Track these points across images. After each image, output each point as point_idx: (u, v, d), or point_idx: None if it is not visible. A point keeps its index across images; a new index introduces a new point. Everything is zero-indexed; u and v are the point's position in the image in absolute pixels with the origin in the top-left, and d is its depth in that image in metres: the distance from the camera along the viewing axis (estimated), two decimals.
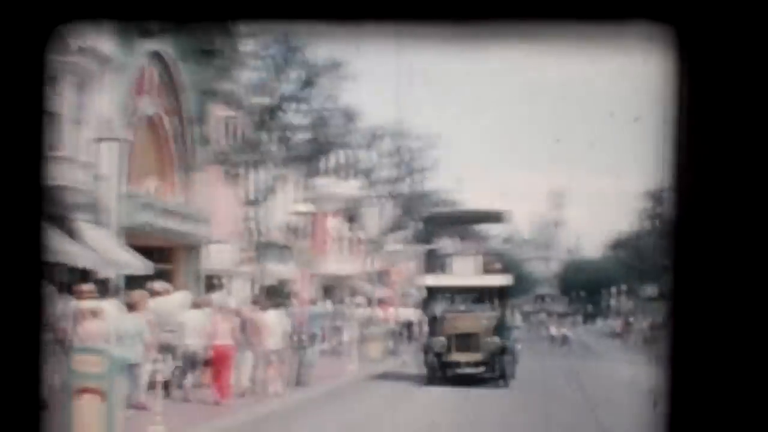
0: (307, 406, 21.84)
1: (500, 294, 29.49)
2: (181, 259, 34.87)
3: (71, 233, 25.20)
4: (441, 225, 35.98)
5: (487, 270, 29.59)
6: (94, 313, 17.58)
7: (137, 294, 19.61)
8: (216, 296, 26.35)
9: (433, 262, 31.09)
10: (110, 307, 18.55)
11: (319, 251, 54.39)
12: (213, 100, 29.76)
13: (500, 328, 28.19)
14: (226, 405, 19.67)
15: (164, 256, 33.67)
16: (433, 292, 30.56)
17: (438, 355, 27.69)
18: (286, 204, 46.00)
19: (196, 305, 21.61)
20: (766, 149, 2.83)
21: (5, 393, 2.70)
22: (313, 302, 41.07)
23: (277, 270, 43.35)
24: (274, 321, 22.80)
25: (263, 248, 26.64)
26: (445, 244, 32.11)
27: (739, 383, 2.76)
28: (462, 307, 30.57)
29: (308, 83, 25.64)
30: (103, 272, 26.33)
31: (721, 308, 2.78)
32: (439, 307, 30.35)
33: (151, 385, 17.96)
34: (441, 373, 27.72)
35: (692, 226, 2.82)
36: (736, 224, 2.81)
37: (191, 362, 20.59)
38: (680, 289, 2.82)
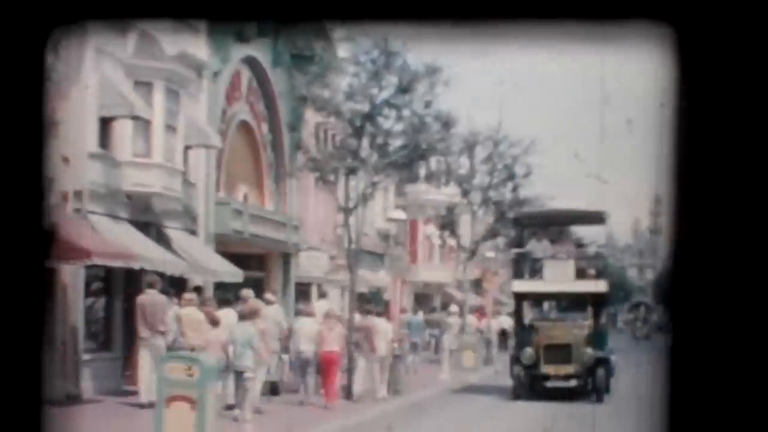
0: (389, 418, 21.30)
1: (595, 301, 27.55)
2: (272, 267, 34.65)
3: (162, 240, 25.01)
4: (532, 226, 32.57)
5: (582, 276, 27.32)
6: (214, 322, 18.92)
7: (252, 302, 20.91)
8: (321, 304, 26.76)
9: (523, 266, 28.46)
10: (227, 315, 19.63)
11: (412, 259, 53.89)
12: (308, 106, 29.42)
13: (595, 338, 26.58)
14: (331, 408, 21.30)
15: (256, 263, 33.52)
16: (522, 299, 28.62)
17: (527, 367, 26.15)
18: (380, 211, 45.83)
19: (303, 313, 23.47)
20: (764, 147, 2.83)
21: (5, 393, 2.80)
22: (414, 311, 40.92)
23: (370, 278, 43.32)
24: (385, 328, 24.93)
25: (356, 256, 26.14)
26: (535, 247, 29.11)
27: (739, 384, 2.75)
28: (553, 316, 29.21)
29: (405, 89, 25.10)
30: (194, 280, 26.17)
31: (721, 302, 2.79)
32: (528, 316, 28.78)
33: (266, 391, 20.16)
34: (529, 386, 26.27)
35: (692, 224, 2.82)
36: (736, 221, 2.81)
37: (303, 368, 22.28)
38: (680, 290, 2.83)
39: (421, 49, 23.48)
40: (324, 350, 21.89)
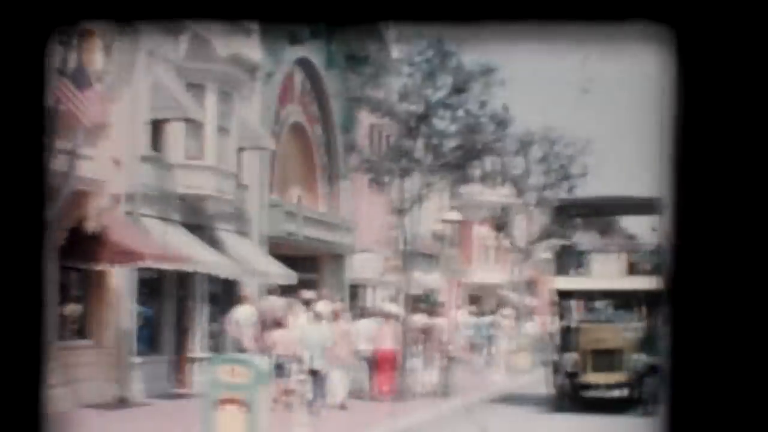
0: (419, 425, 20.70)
1: (649, 301, 24.24)
2: (325, 269, 34.63)
3: (214, 243, 24.92)
4: (578, 216, 29.53)
5: (634, 271, 24.32)
6: (281, 324, 20.09)
7: (337, 306, 22.88)
8: (390, 306, 27.08)
9: (568, 261, 25.27)
10: (301, 317, 21.06)
11: (466, 260, 53.56)
12: (360, 107, 29.26)
13: (648, 342, 23.35)
14: (385, 407, 21.34)
15: (308, 265, 33.36)
16: (565, 298, 25.48)
17: (570, 375, 23.37)
18: (434, 212, 45.63)
19: (366, 314, 24.72)
20: (764, 148, 2.84)
21: (6, 394, 2.77)
22: (480, 313, 40.64)
23: (424, 279, 43.01)
24: (449, 328, 25.76)
25: (409, 257, 26.19)
26: (581, 239, 26.59)
27: (739, 384, 2.78)
28: (602, 317, 25.50)
29: (459, 89, 24.85)
30: (246, 282, 26.08)
31: (722, 305, 2.81)
32: (573, 316, 25.59)
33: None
34: (573, 396, 23.57)
35: (691, 223, 2.85)
36: (736, 221, 2.83)
37: (367, 365, 23.25)
38: (680, 290, 2.85)
39: (474, 49, 23.22)
40: (381, 348, 23.25)
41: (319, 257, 34.23)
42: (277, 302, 22.12)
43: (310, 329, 20.31)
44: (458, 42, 22.81)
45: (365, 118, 33.10)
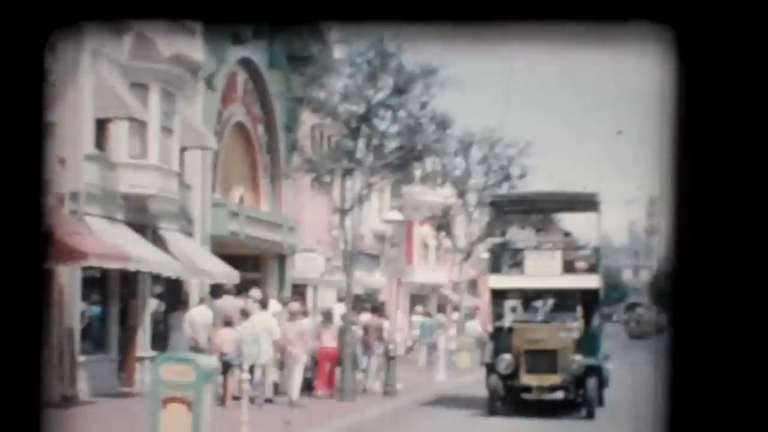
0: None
1: (587, 300, 23.66)
2: (268, 268, 34.66)
3: (158, 242, 25.03)
4: (512, 212, 28.57)
5: (571, 270, 23.64)
6: (230, 323, 21.51)
7: (294, 305, 23.75)
8: (338, 307, 27.63)
9: (502, 259, 24.50)
10: (254, 316, 21.81)
11: (408, 260, 53.90)
12: (303, 107, 29.44)
13: (586, 342, 22.93)
14: (325, 406, 22.21)
15: (251, 264, 33.54)
16: (500, 297, 24.55)
17: (505, 377, 22.52)
18: (376, 212, 45.85)
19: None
20: (763, 147, 2.87)
21: (5, 394, 2.79)
22: (425, 313, 40.99)
23: (366, 279, 43.49)
24: (391, 328, 26.38)
25: (352, 257, 26.08)
26: (516, 236, 25.24)
27: (739, 385, 2.79)
28: (537, 317, 24.20)
29: (401, 90, 25.10)
30: (189, 281, 26.24)
31: (721, 305, 2.84)
32: (508, 316, 24.24)
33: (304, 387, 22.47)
34: (508, 398, 22.87)
35: (692, 225, 2.88)
36: (737, 222, 2.85)
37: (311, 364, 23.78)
38: (680, 290, 2.89)
39: (417, 50, 23.51)
40: (323, 347, 24.00)
41: (262, 257, 34.30)
42: (232, 302, 23.00)
43: (258, 325, 21.15)
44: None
45: (307, 119, 33.32)
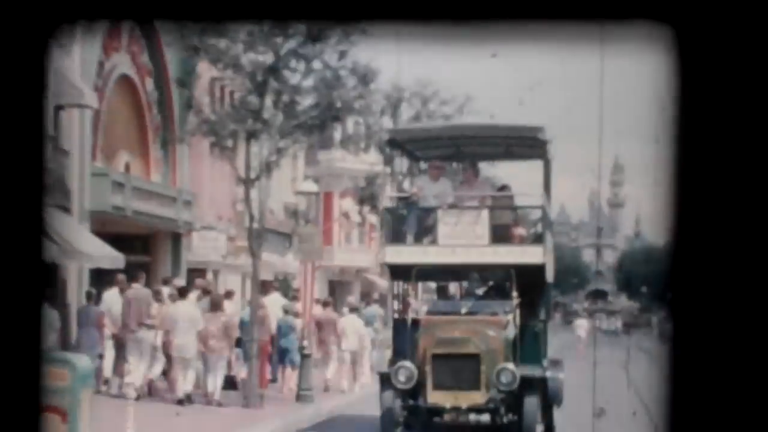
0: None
1: (528, 282, 19.23)
2: (159, 249, 34.93)
3: None
4: (419, 153, 23.19)
5: (505, 238, 19.49)
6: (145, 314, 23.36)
7: (215, 296, 25.18)
8: (274, 298, 28.93)
9: (405, 222, 20.13)
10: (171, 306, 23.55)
11: (326, 240, 54.26)
12: (200, 58, 29.23)
13: (525, 343, 19.26)
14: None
15: (139, 245, 33.83)
16: (401, 278, 20.76)
17: (404, 393, 18.48)
18: (288, 183, 45.89)
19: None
20: (763, 147, 3.20)
21: (5, 394, 3.10)
22: (366, 302, 41.12)
23: (276, 262, 43.98)
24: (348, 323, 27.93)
25: (259, 236, 25.98)
26: (426, 189, 20.42)
27: (739, 385, 3.07)
28: (452, 306, 20.27)
29: (314, 38, 25.13)
30: (67, 267, 26.29)
31: (722, 301, 3.13)
32: (412, 306, 20.58)
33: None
34: (411, 424, 18.75)
35: (691, 221, 3.17)
36: (735, 219, 3.15)
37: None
38: (680, 287, 3.15)
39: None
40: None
41: (153, 236, 34.52)
42: (141, 291, 24.21)
43: (177, 314, 23.02)
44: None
45: (205, 71, 32.95)
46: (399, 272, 20.60)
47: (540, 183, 20.74)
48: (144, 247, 34.32)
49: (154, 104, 34.36)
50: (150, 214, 32.06)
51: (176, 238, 35.13)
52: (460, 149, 22.77)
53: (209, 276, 38.20)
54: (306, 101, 26.39)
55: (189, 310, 23.35)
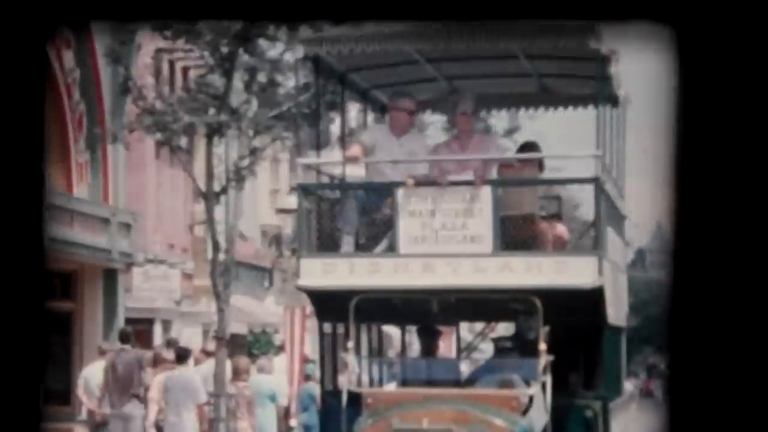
0: None
1: (569, 324, 14.97)
2: (86, 292, 33.88)
3: None
4: (367, 83, 17.90)
5: (524, 239, 14.78)
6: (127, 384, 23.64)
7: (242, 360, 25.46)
8: (279, 360, 29.20)
9: (336, 212, 16.03)
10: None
11: None
12: (140, 25, 27.67)
13: None
14: None
15: (59, 286, 32.74)
16: (330, 315, 16.04)
17: None
18: (267, 197, 44.34)
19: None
20: (763, 146, 4.37)
21: (5, 394, 4.94)
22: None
23: (251, 308, 43.53)
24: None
25: (226, 272, 26.11)
26: (378, 148, 15.98)
27: (739, 385, 4.31)
28: (427, 369, 16.25)
29: None
30: None
31: (722, 303, 4.30)
32: (349, 367, 14.94)
33: None
34: None
35: (692, 221, 4.31)
36: (736, 218, 4.28)
37: None
38: (680, 287, 4.34)
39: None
40: None
41: (76, 273, 33.48)
42: (129, 354, 23.83)
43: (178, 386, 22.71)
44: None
45: (148, 40, 31.74)
46: (326, 305, 15.63)
47: (591, 141, 15.00)
48: (65, 290, 33.32)
49: (75, 87, 33.37)
50: (72, 242, 30.86)
51: (110, 276, 34.20)
52: (443, 74, 17.25)
53: (156, 328, 38.26)
54: (290, 82, 26.95)
55: (187, 377, 22.97)
